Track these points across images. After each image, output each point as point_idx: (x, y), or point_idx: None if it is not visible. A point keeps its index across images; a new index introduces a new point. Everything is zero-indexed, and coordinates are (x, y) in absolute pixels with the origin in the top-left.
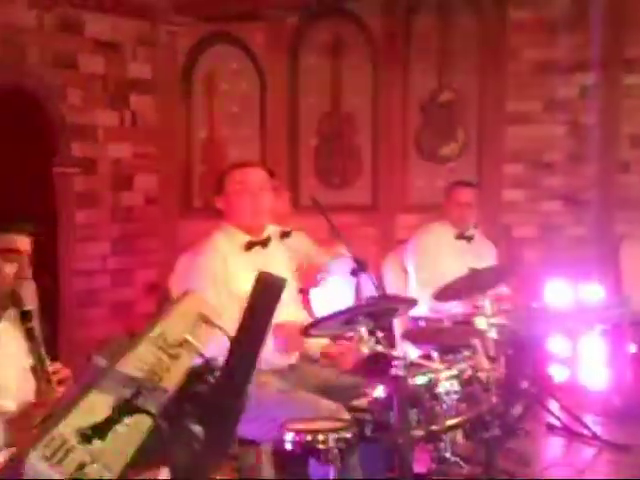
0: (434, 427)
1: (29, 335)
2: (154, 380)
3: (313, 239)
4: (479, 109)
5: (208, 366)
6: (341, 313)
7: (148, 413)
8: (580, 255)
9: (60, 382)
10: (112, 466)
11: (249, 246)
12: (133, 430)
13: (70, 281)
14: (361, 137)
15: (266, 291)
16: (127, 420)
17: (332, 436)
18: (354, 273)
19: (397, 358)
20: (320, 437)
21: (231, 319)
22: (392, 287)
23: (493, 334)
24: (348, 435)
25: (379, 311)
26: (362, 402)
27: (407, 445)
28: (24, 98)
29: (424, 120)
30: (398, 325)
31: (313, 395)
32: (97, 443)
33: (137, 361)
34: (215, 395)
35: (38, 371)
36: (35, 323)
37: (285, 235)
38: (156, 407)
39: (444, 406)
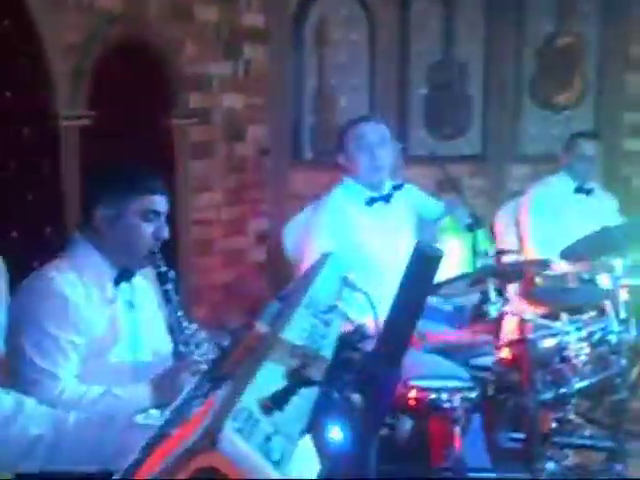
0: (563, 390)
1: (166, 297)
2: (314, 348)
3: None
4: (599, 54)
5: (358, 332)
6: (469, 274)
7: (317, 384)
8: None
9: (197, 344)
10: (292, 436)
11: (371, 202)
12: (303, 399)
13: (187, 231)
14: (473, 85)
15: (423, 262)
16: (301, 390)
17: (457, 395)
18: (470, 228)
19: (525, 320)
20: (444, 396)
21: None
22: (504, 242)
23: (624, 295)
24: (472, 395)
25: (508, 272)
26: (484, 361)
27: (535, 408)
28: (145, 51)
29: (540, 66)
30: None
31: (434, 354)
32: (277, 414)
33: (297, 329)
34: (370, 364)
35: (175, 333)
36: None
37: (397, 188)
38: (320, 376)
39: (573, 368)
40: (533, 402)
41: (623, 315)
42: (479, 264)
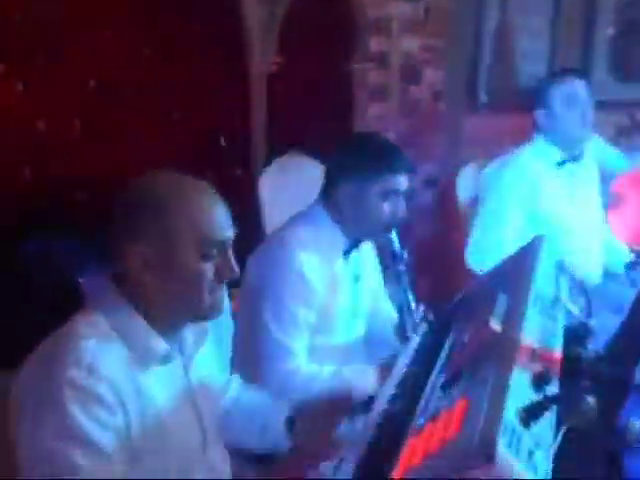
0: None
1: (397, 277)
2: (548, 348)
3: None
4: None
5: (585, 328)
6: None
7: (565, 398)
8: None
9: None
10: (548, 449)
11: (562, 163)
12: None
13: None
14: None
15: None
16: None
17: None
18: None
19: None
20: None
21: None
22: None
23: None
24: None
25: None
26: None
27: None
28: None
29: None
30: None
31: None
32: (533, 426)
33: (530, 329)
34: (604, 365)
35: (404, 315)
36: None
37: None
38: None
39: None
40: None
41: None
42: None
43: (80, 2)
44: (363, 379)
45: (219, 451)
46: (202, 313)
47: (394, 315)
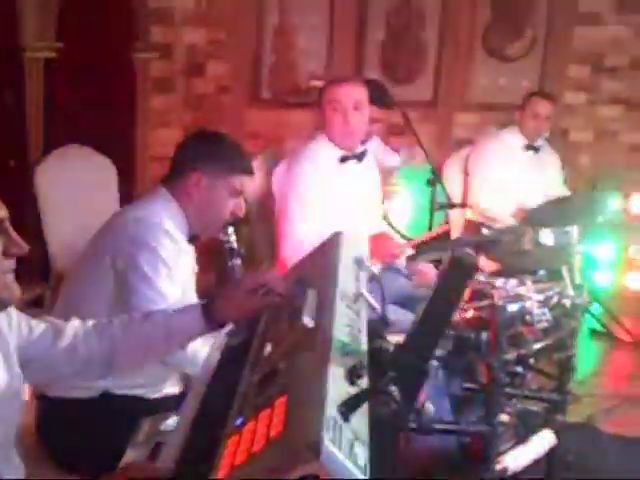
0: (523, 351)
1: (233, 270)
2: (358, 343)
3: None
4: (549, 7)
5: (383, 321)
6: (449, 244)
7: (387, 392)
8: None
9: None
10: (365, 441)
11: (343, 160)
12: None
13: (145, 166)
14: (428, 32)
15: (460, 270)
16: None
17: None
18: (431, 183)
19: (496, 286)
20: None
21: (318, 231)
22: (451, 192)
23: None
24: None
25: (485, 243)
26: None
27: (500, 367)
28: None
29: (493, 17)
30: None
31: (392, 305)
32: (352, 419)
33: (340, 324)
34: (403, 357)
35: None
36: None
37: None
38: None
39: (533, 332)
40: (498, 362)
41: (578, 280)
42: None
43: None
44: None
45: (11, 465)
46: None
47: None
